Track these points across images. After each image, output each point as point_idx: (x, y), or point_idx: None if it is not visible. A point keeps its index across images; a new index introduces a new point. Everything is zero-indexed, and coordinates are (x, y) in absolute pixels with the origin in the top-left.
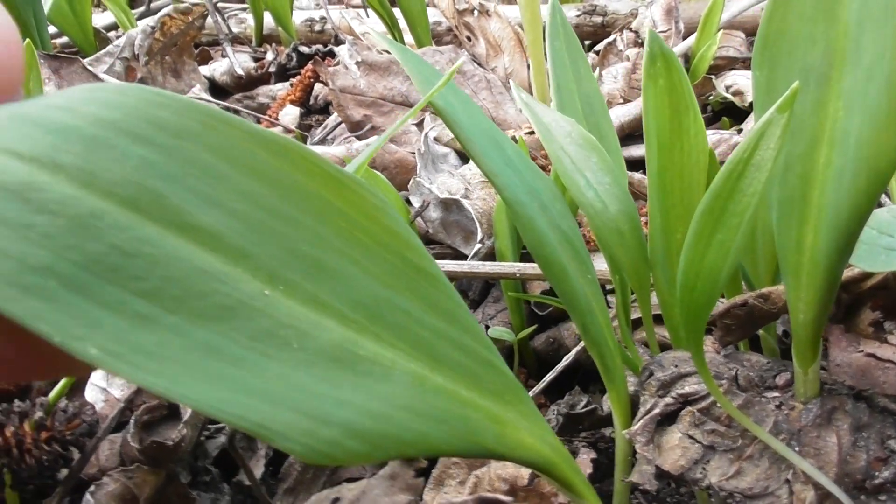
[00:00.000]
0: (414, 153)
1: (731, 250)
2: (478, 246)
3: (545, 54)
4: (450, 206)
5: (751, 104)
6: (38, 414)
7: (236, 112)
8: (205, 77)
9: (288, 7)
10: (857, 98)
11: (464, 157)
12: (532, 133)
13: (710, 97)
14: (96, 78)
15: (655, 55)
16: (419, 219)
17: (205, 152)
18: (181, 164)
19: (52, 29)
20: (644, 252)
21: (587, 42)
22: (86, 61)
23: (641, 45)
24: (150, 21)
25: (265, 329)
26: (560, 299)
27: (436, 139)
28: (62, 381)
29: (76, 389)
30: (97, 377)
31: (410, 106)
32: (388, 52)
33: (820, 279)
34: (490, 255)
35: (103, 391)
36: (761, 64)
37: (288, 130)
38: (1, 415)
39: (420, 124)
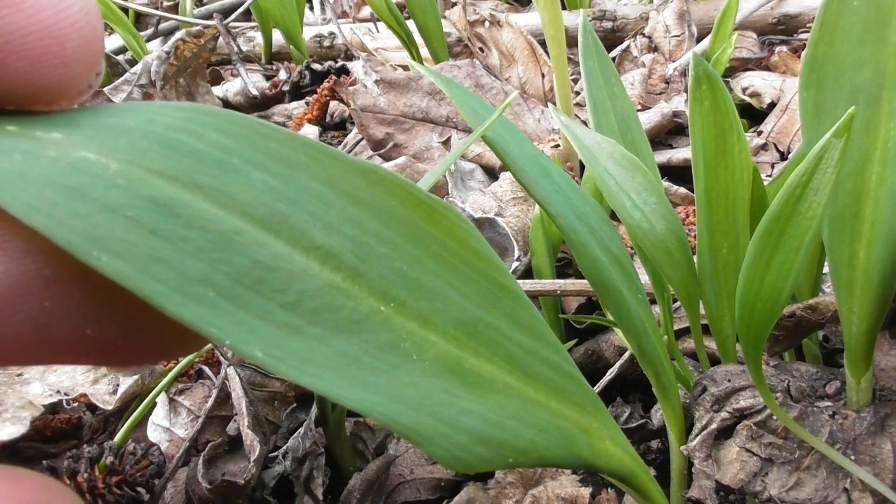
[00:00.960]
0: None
1: (791, 271)
2: (515, 264)
3: (566, 62)
4: (483, 223)
5: (769, 105)
6: (109, 458)
7: None
8: (218, 98)
9: (299, 24)
10: None
11: (490, 173)
12: (557, 146)
13: None
14: None
15: (700, 78)
16: None
17: (313, 181)
18: (297, 190)
19: None
20: (692, 268)
21: None
22: (106, 90)
23: (655, 50)
24: (164, 47)
25: (389, 342)
26: (614, 320)
27: (460, 155)
28: (128, 423)
29: (139, 429)
30: (159, 417)
31: (431, 122)
32: (405, 69)
33: (874, 293)
34: (527, 272)
35: (167, 431)
36: (809, 85)
37: None
38: (72, 461)
39: (446, 143)
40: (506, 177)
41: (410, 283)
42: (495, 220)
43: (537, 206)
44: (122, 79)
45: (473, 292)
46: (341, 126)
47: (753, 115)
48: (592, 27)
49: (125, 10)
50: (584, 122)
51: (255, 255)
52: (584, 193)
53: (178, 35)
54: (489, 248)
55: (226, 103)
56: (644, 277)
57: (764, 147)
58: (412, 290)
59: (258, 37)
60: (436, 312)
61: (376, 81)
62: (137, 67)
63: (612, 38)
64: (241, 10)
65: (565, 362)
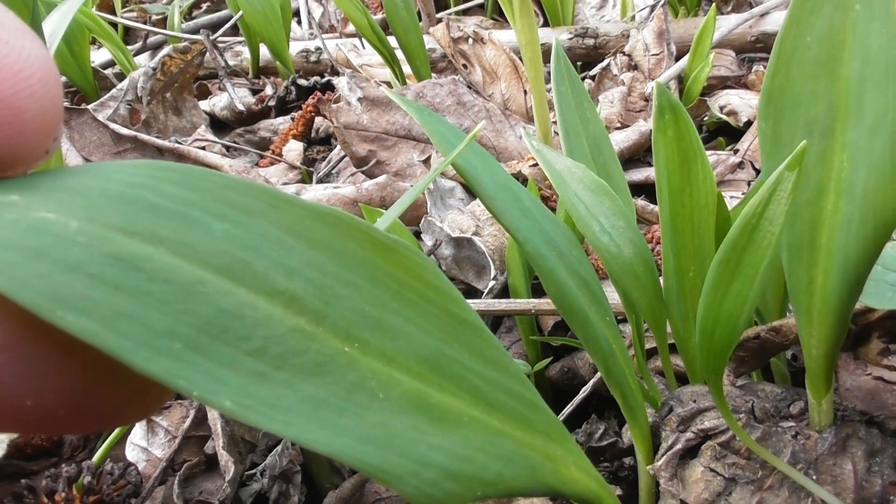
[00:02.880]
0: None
1: (748, 298)
2: (491, 283)
3: (544, 83)
4: (461, 242)
5: (745, 123)
6: (87, 478)
7: (237, 148)
8: (204, 112)
9: (285, 41)
10: (863, 152)
11: (471, 192)
12: (535, 165)
13: (706, 118)
14: (106, 128)
15: (664, 108)
16: (432, 256)
17: (273, 227)
18: (257, 238)
19: None
20: (659, 291)
21: (579, 63)
22: (90, 107)
23: (635, 68)
24: (151, 63)
25: (355, 382)
26: (581, 343)
27: (441, 173)
28: (106, 442)
29: (117, 448)
30: (137, 437)
31: (413, 139)
32: (390, 86)
33: (831, 317)
34: (504, 290)
35: (144, 451)
36: (766, 116)
37: (293, 167)
38: (49, 480)
39: (427, 160)
40: None
41: (373, 322)
42: (473, 239)
43: None
44: (108, 95)
45: (435, 327)
46: (326, 141)
47: (731, 131)
48: (574, 44)
49: (114, 24)
50: None
51: (219, 304)
52: (555, 218)
53: (165, 51)
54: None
55: (212, 118)
56: (616, 298)
57: (740, 165)
58: (375, 329)
59: (245, 51)
60: (399, 350)
61: (360, 99)
62: (124, 83)
63: (594, 55)
64: (227, 26)
65: (528, 391)
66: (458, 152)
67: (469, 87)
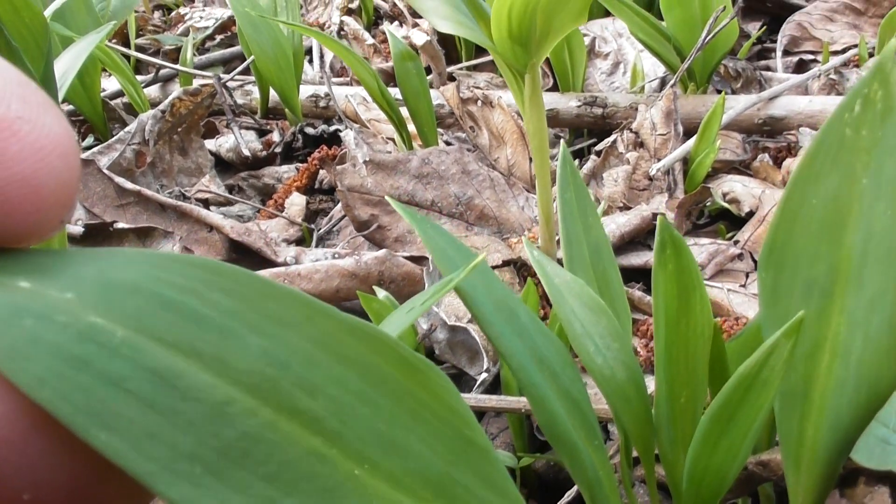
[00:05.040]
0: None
1: (739, 453)
2: (483, 375)
3: (550, 180)
4: (457, 328)
5: (748, 214)
6: None
7: (240, 189)
8: (210, 153)
9: (295, 88)
10: (860, 323)
11: None
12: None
13: (708, 204)
14: (111, 181)
15: (665, 243)
16: (426, 340)
17: (304, 341)
18: (288, 353)
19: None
20: (649, 417)
21: (586, 131)
22: (97, 149)
23: (641, 145)
24: (160, 106)
25: None
26: (568, 470)
27: None
28: None
29: None
30: None
31: (416, 205)
32: (394, 144)
33: (819, 469)
34: (496, 380)
35: None
36: (767, 267)
37: (293, 223)
38: None
39: None
40: None
41: (386, 441)
42: (468, 328)
43: None
44: (115, 138)
45: (445, 449)
46: (329, 192)
47: (732, 218)
48: (582, 111)
49: (126, 56)
50: None
51: (242, 427)
52: (549, 334)
53: (175, 93)
54: (465, 405)
55: (218, 158)
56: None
57: (740, 256)
58: (387, 449)
59: (255, 91)
60: (407, 472)
61: (365, 162)
62: (132, 126)
63: (601, 125)
64: (239, 69)
65: None
66: (461, 278)
67: (474, 149)
